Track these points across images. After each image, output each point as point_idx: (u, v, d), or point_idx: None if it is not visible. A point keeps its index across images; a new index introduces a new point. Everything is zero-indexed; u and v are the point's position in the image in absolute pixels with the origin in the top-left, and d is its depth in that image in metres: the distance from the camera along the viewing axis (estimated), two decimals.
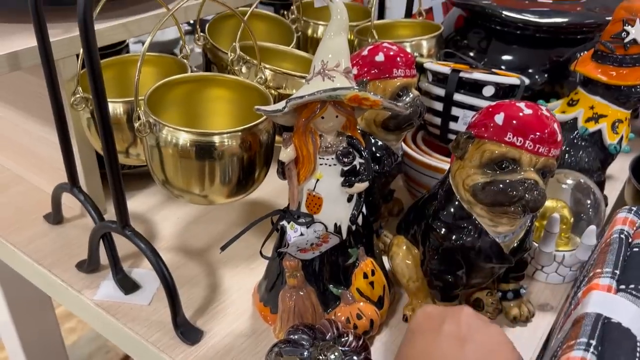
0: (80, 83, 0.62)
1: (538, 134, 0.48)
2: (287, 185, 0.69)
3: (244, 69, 0.66)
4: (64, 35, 0.62)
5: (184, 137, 0.54)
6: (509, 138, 0.49)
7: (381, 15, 1.01)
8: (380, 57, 0.61)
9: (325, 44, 0.50)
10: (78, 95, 0.61)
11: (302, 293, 0.56)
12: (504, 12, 0.81)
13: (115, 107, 0.61)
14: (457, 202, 0.53)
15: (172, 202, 0.78)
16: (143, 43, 1.27)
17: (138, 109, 0.53)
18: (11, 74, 0.60)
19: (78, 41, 0.62)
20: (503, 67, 0.83)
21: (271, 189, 0.66)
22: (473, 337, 0.41)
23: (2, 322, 1.15)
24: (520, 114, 0.49)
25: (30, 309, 1.15)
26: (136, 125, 0.53)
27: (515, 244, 0.55)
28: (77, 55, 0.64)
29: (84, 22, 0.45)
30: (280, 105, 0.49)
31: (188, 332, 0.57)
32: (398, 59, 0.62)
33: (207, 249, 0.70)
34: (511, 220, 0.52)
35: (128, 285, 0.63)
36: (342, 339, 0.51)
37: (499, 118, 0.49)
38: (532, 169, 0.49)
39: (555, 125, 0.49)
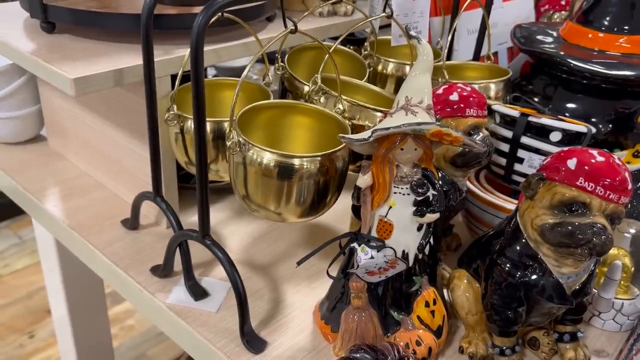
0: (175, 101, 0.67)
1: (609, 180, 0.50)
2: (348, 211, 0.72)
3: (322, 99, 0.70)
4: (163, 57, 0.68)
5: (268, 157, 0.58)
6: (581, 182, 0.51)
7: (448, 57, 1.04)
8: (454, 97, 0.65)
9: (410, 82, 0.53)
10: (172, 112, 0.66)
11: (364, 315, 0.58)
12: (573, 62, 0.83)
13: None
14: (523, 240, 0.55)
15: (239, 218, 0.83)
16: (214, 66, 1.34)
17: (232, 129, 0.58)
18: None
19: (174, 62, 0.69)
20: (567, 114, 0.85)
21: (333, 213, 0.69)
22: None
23: (59, 316, 1.21)
24: (593, 160, 0.51)
25: (86, 307, 1.21)
26: (228, 143, 0.58)
27: (578, 287, 0.56)
28: (171, 75, 0.69)
29: (196, 50, 0.50)
30: (366, 134, 0.52)
31: (253, 342, 0.61)
32: (471, 99, 0.65)
33: (270, 265, 0.74)
34: (576, 262, 0.54)
35: (198, 292, 0.67)
36: None
37: (572, 163, 0.51)
38: (601, 214, 0.51)
39: (627, 174, 0.51)
